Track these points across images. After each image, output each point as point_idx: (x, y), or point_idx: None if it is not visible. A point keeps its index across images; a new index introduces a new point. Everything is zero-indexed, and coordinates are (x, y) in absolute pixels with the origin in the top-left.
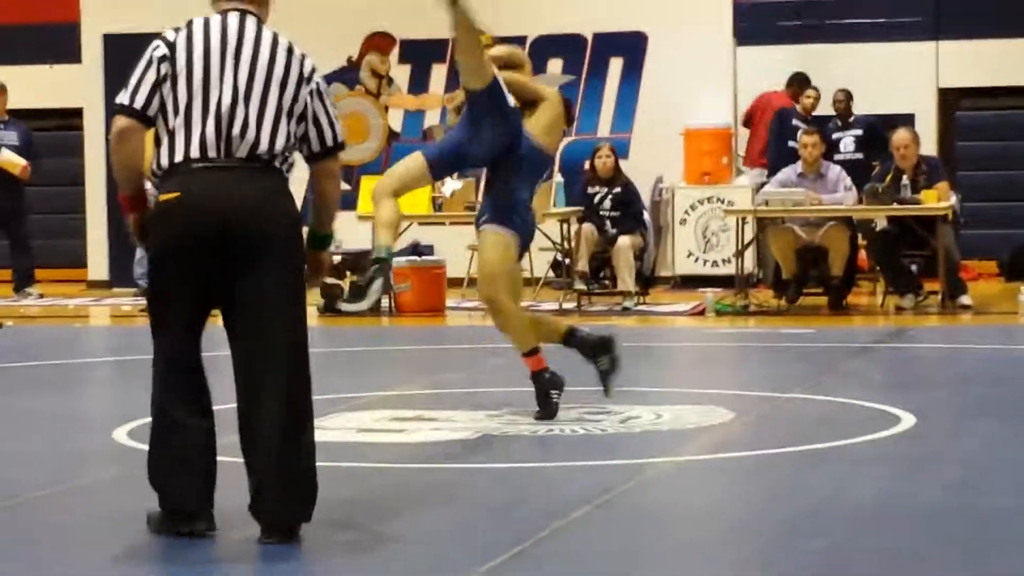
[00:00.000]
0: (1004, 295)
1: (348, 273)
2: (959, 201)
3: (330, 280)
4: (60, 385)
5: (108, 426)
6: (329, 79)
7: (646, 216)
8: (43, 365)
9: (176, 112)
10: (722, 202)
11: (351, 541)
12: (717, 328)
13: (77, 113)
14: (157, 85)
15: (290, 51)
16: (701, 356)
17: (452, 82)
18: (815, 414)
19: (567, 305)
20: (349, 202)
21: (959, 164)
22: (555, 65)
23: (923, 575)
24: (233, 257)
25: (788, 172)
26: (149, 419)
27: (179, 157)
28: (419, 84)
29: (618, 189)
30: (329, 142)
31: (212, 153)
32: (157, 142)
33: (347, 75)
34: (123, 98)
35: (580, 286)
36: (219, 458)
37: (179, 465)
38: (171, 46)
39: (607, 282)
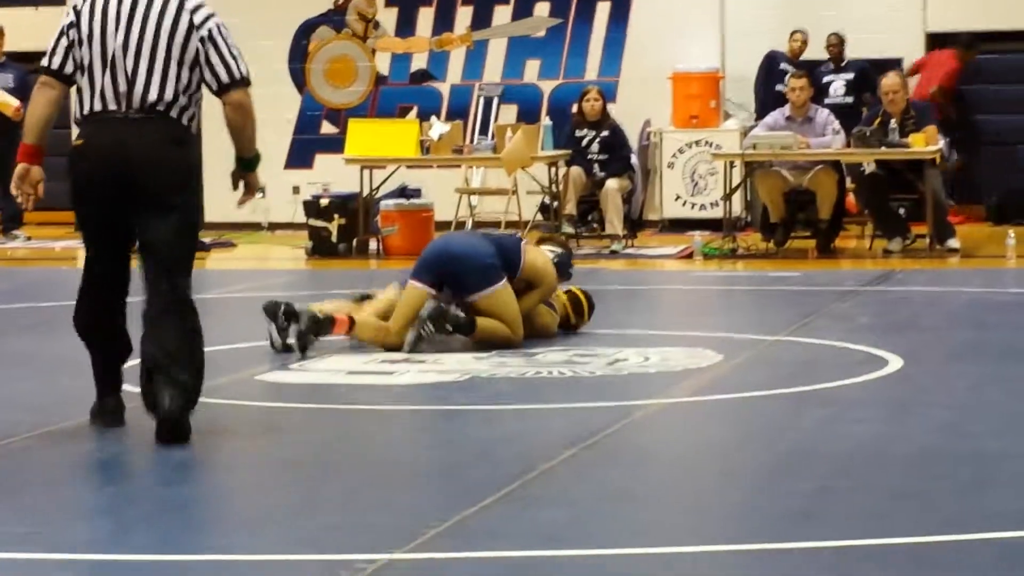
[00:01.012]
0: (992, 239)
1: (336, 216)
2: (947, 145)
3: (318, 223)
4: (48, 327)
5: None
6: (316, 22)
7: (634, 159)
8: (30, 307)
9: (83, 71)
10: (710, 145)
11: (338, 482)
12: (705, 271)
13: None
14: (69, 48)
15: (180, 5)
16: (689, 299)
17: (439, 25)
18: (803, 357)
19: None
20: (337, 145)
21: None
22: (542, 9)
23: (911, 515)
24: (131, 199)
25: (776, 115)
26: (136, 362)
27: (87, 110)
28: (406, 27)
29: (606, 132)
30: (224, 79)
31: (112, 105)
32: (77, 97)
33: (334, 18)
34: (44, 60)
35: (568, 229)
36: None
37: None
38: (78, 13)
39: (595, 225)
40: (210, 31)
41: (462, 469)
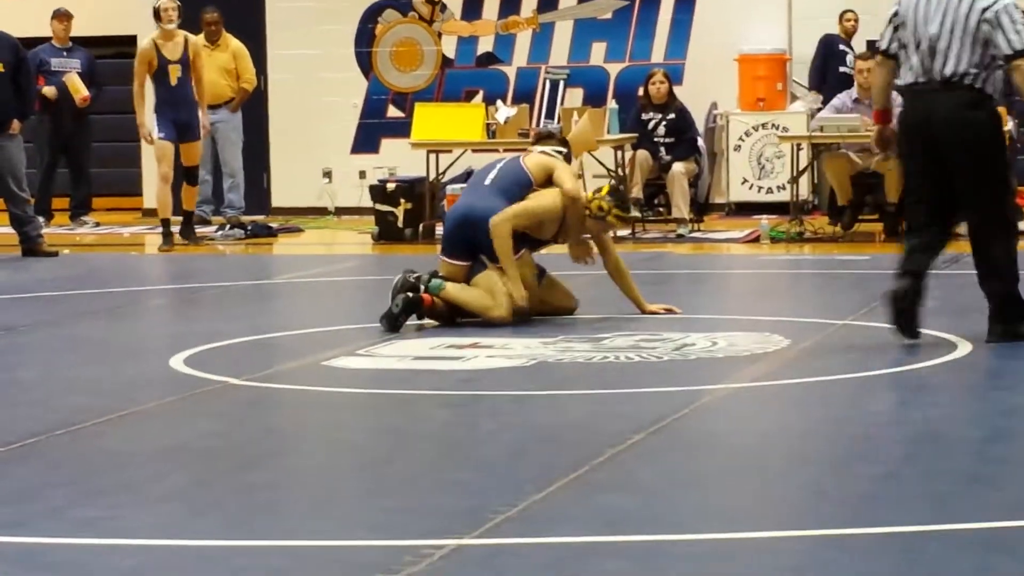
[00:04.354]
0: None
1: (402, 201)
2: (1016, 126)
3: (384, 208)
4: (117, 313)
5: (164, 353)
6: (382, 6)
7: (700, 142)
8: (99, 293)
9: (903, 48)
10: (777, 128)
11: (405, 467)
12: (772, 255)
13: (132, 41)
14: (895, 30)
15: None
16: (756, 283)
17: (505, 8)
18: (871, 341)
19: (621, 232)
20: (403, 129)
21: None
22: None
23: (981, 499)
24: (939, 153)
25: (843, 98)
26: (204, 347)
27: (903, 82)
28: (472, 10)
29: (672, 115)
30: (1007, 50)
31: (921, 79)
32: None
33: (400, 2)
34: (879, 43)
35: (634, 213)
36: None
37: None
38: (899, 3)
39: (661, 209)
40: (996, 13)
41: (529, 454)
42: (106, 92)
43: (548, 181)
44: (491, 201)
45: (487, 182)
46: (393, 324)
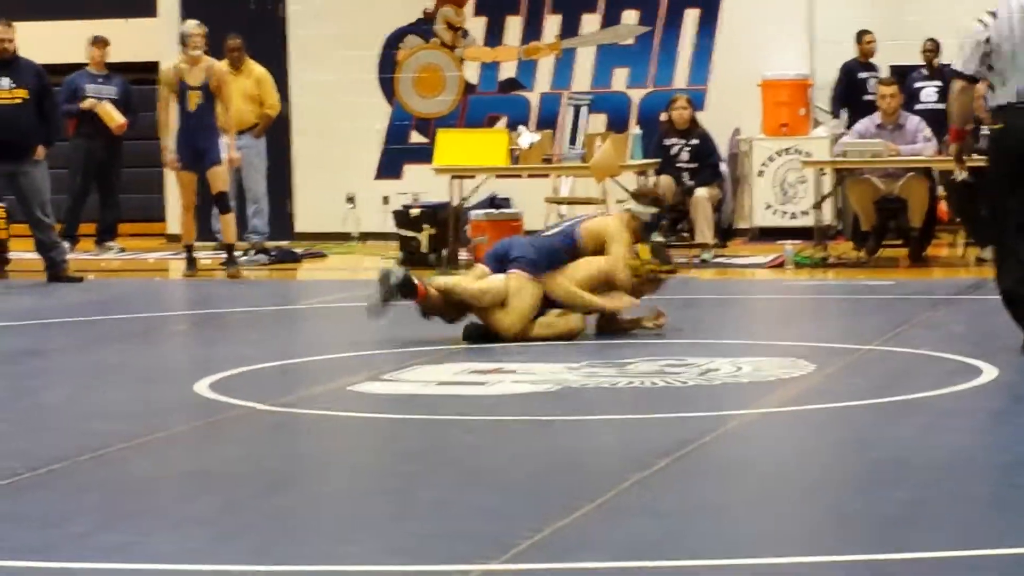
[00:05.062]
0: None
1: (426, 226)
2: None
3: (408, 233)
4: (142, 338)
5: (189, 379)
6: (404, 32)
7: (723, 168)
8: (124, 318)
9: (996, 73)
10: (800, 153)
11: (431, 492)
12: (796, 280)
13: (152, 67)
14: (985, 56)
15: None
16: (780, 308)
17: (528, 33)
18: (896, 366)
19: None
20: (426, 155)
21: None
22: (630, 17)
23: (1007, 526)
24: None
25: (866, 123)
26: (229, 372)
27: (1003, 101)
28: (494, 36)
29: (695, 141)
30: None
31: (1022, 98)
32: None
33: (422, 28)
34: (958, 65)
35: (658, 238)
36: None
37: None
38: (989, 29)
39: (685, 234)
40: None
41: (554, 479)
42: (129, 118)
43: (597, 248)
44: (526, 249)
45: (544, 234)
46: (388, 294)
